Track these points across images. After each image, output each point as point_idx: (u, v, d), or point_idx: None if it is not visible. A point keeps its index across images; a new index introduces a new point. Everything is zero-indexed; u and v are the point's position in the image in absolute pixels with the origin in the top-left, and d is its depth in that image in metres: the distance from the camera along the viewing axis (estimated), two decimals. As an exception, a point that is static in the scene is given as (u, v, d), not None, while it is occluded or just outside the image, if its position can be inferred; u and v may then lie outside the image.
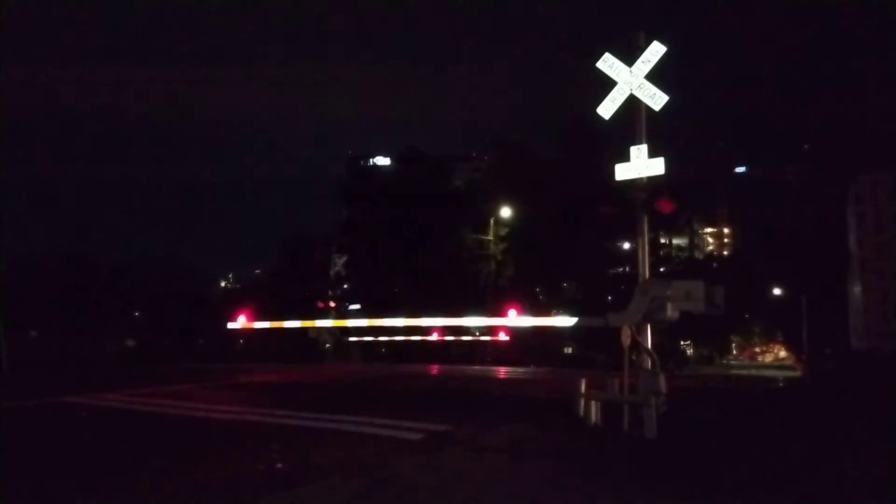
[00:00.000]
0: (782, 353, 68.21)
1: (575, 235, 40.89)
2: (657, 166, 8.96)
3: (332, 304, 27.59)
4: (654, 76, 9.04)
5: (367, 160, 73.95)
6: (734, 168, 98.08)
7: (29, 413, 10.39)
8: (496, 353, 33.85)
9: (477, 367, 27.07)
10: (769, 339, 68.75)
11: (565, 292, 43.97)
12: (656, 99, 8.96)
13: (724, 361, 64.61)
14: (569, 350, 43.08)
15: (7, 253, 48.75)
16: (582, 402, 9.03)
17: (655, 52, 9.03)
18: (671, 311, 8.46)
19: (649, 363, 8.58)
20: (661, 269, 41.69)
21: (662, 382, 8.38)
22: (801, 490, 5.62)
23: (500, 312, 29.11)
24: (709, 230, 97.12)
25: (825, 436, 8.14)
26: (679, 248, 67.97)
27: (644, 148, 9.09)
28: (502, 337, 31.94)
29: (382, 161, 74.42)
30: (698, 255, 70.29)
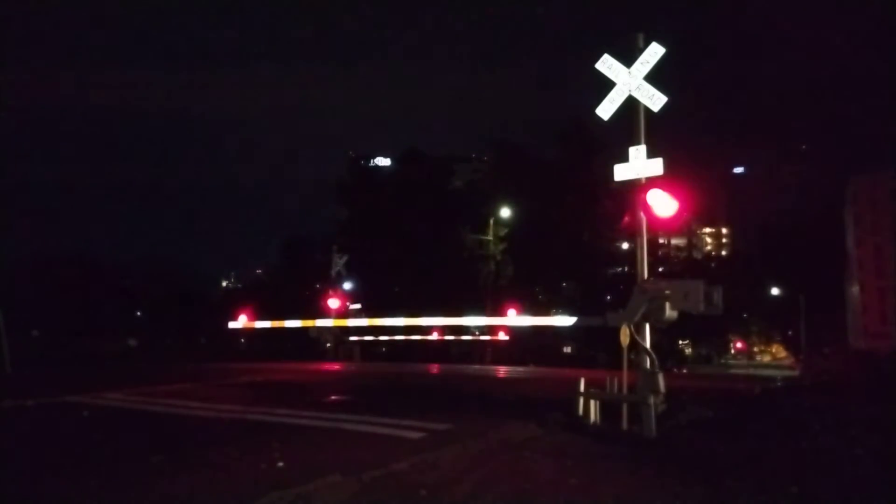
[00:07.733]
0: (781, 353, 68.25)
1: (574, 235, 41.00)
2: (656, 167, 9.00)
3: (339, 303, 27.61)
4: (653, 77, 9.08)
5: (368, 160, 74.10)
6: (732, 168, 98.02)
7: (31, 412, 10.42)
8: (496, 352, 33.90)
9: (477, 367, 27.10)
10: (767, 338, 68.76)
11: (565, 292, 44.05)
12: (655, 100, 8.99)
13: (723, 361, 64.73)
14: (568, 349, 43.16)
15: (9, 253, 48.80)
16: (581, 401, 9.08)
17: (654, 53, 9.07)
18: (670, 311, 8.52)
19: (648, 362, 8.64)
20: (660, 269, 41.75)
21: (661, 381, 8.45)
22: (801, 490, 5.63)
23: (500, 312, 29.22)
24: (707, 230, 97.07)
25: (824, 435, 8.18)
26: (677, 247, 68.05)
27: (643, 148, 9.13)
28: (502, 336, 32.02)
29: (383, 161, 74.61)
30: (696, 254, 70.32)
